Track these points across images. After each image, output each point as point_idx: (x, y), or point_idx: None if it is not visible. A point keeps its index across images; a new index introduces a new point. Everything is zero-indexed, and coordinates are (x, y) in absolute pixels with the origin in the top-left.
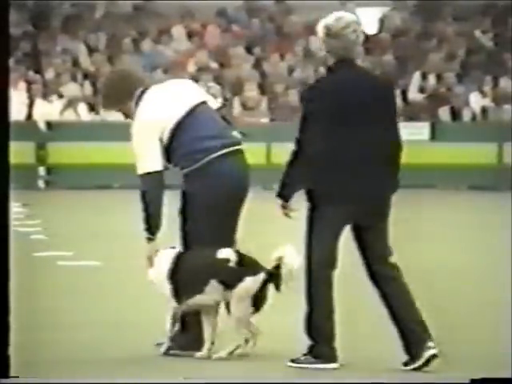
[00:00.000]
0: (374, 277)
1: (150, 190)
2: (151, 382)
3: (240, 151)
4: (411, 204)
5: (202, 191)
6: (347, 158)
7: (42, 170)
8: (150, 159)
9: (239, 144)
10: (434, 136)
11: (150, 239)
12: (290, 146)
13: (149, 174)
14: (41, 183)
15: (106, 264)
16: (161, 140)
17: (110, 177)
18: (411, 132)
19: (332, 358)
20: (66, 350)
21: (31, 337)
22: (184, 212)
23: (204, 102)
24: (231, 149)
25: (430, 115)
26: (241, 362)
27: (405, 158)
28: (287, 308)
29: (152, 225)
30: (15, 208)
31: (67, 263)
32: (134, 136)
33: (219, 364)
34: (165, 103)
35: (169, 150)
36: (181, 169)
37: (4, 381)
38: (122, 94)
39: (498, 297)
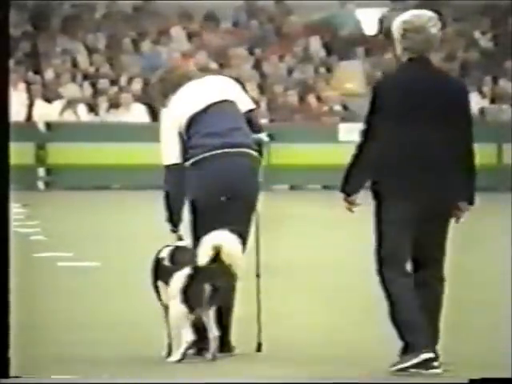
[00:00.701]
0: (416, 281)
1: (170, 182)
2: (151, 382)
3: (245, 154)
4: None
5: (198, 186)
6: (414, 156)
7: (41, 171)
8: (169, 152)
9: (246, 147)
10: None
11: (173, 231)
12: (289, 147)
13: (169, 166)
14: (40, 184)
15: (105, 265)
16: (180, 134)
17: (110, 177)
18: None
19: (428, 347)
20: (66, 350)
21: (31, 337)
22: (190, 207)
23: (228, 101)
24: (233, 150)
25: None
26: (241, 362)
27: None
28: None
29: (173, 217)
30: (15, 209)
31: (67, 264)
32: (161, 130)
33: (219, 364)
34: (187, 99)
35: (186, 139)
36: (184, 162)
37: (4, 381)
38: (165, 90)
39: (497, 297)
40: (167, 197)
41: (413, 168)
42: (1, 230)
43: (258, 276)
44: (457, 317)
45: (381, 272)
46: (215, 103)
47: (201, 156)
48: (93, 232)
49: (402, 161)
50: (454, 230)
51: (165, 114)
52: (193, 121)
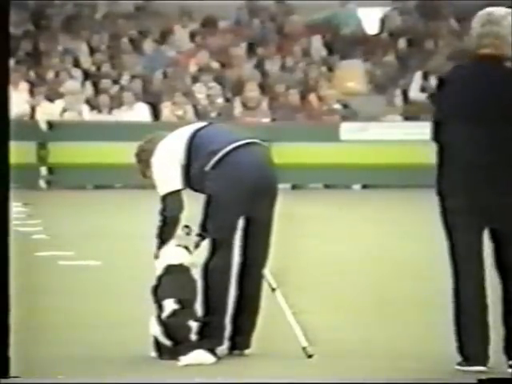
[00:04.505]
0: (504, 289)
1: (171, 207)
2: (152, 382)
3: (258, 144)
4: (412, 204)
5: (226, 184)
6: (479, 157)
7: (43, 170)
8: (169, 180)
9: (255, 139)
10: None
11: (158, 248)
12: (291, 146)
13: (170, 194)
14: (42, 183)
15: (106, 264)
16: (178, 159)
17: (112, 177)
18: (412, 132)
19: (480, 361)
20: (67, 350)
21: (32, 336)
22: (209, 211)
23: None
24: (247, 141)
25: (432, 115)
26: (242, 362)
27: (406, 157)
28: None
29: (165, 240)
30: (16, 208)
31: (68, 263)
32: (153, 167)
33: (221, 363)
34: (180, 131)
35: (188, 163)
36: (201, 169)
37: (4, 381)
38: (149, 156)
39: (497, 296)
40: (164, 223)
41: (477, 170)
42: (1, 229)
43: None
44: None
45: (455, 270)
46: (210, 123)
47: (223, 152)
48: (94, 231)
49: (466, 162)
50: None
51: (156, 153)
52: (195, 136)
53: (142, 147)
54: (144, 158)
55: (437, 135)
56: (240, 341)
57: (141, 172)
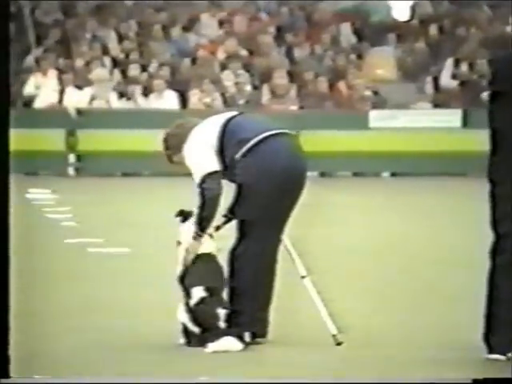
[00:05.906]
0: None
1: (212, 188)
2: (152, 381)
3: (289, 134)
4: (442, 192)
5: (256, 173)
6: None
7: (71, 157)
8: (206, 162)
9: (286, 130)
10: (466, 123)
11: (199, 235)
12: (319, 134)
13: (208, 175)
14: (71, 170)
15: (135, 251)
16: (212, 146)
17: (140, 164)
18: (443, 119)
19: (503, 351)
20: (95, 335)
21: (61, 323)
22: (239, 198)
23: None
24: (279, 131)
25: (463, 102)
26: (269, 349)
27: (436, 145)
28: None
29: (204, 224)
30: (46, 195)
31: (97, 250)
32: (187, 153)
33: (248, 350)
34: (213, 119)
35: (221, 150)
36: (232, 157)
37: (4, 381)
38: (180, 142)
39: None
40: (203, 204)
41: None
42: (1, 220)
43: None
44: (462, 315)
45: (495, 261)
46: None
47: (255, 140)
48: (123, 218)
49: None
50: (487, 218)
51: (188, 143)
52: (227, 124)
53: (171, 132)
54: (174, 143)
55: (490, 121)
56: (259, 328)
57: (167, 157)
